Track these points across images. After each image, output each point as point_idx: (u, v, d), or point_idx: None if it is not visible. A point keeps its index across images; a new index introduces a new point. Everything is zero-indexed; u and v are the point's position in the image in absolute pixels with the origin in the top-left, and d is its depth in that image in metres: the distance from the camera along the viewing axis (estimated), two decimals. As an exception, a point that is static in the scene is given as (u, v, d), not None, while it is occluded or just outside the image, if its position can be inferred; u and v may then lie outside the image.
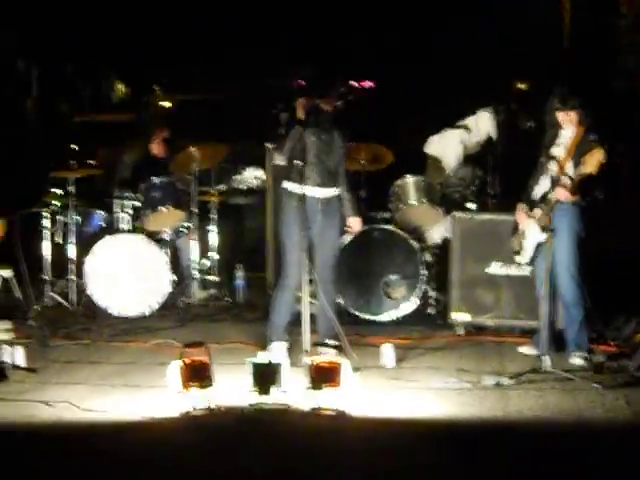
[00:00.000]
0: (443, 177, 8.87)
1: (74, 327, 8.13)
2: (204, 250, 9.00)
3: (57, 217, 8.84)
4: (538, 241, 6.96)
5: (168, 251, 8.69)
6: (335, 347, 6.60)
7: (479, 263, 7.91)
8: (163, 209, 8.63)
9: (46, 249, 8.72)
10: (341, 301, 8.07)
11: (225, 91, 14.31)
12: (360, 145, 8.52)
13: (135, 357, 7.37)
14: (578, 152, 6.83)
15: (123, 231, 8.68)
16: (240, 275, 8.95)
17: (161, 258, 8.54)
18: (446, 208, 8.48)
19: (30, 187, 9.10)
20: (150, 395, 6.28)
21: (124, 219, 8.68)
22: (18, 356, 6.84)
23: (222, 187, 9.64)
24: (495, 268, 7.86)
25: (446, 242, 8.34)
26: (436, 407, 6.11)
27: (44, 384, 6.61)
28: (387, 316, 8.35)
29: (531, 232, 7.03)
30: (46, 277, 8.68)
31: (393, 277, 8.38)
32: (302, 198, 6.90)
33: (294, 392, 6.06)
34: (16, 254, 7.72)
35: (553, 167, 6.88)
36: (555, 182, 6.86)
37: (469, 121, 9.10)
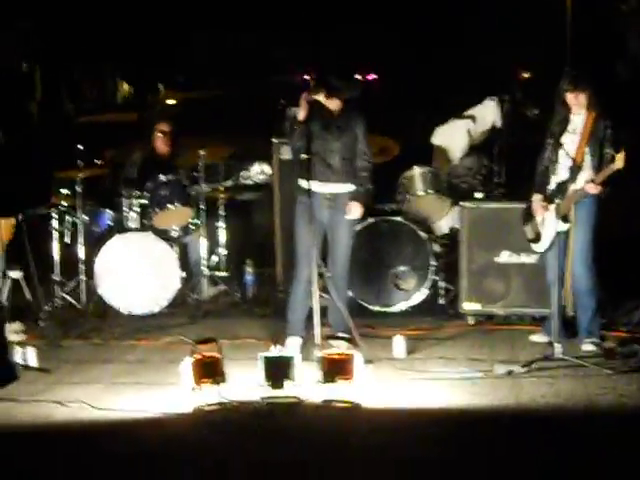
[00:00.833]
0: (450, 167, 8.88)
1: (85, 327, 8.13)
2: (213, 246, 9.00)
3: (65, 217, 8.85)
4: (557, 230, 6.91)
5: (177, 248, 8.69)
6: (347, 340, 6.62)
7: (488, 252, 7.89)
8: (171, 207, 8.63)
9: (55, 249, 8.73)
10: (351, 293, 8.07)
11: (231, 88, 14.32)
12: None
13: (146, 355, 7.38)
14: (594, 139, 6.81)
15: (131, 230, 8.68)
16: (249, 271, 8.94)
17: (170, 256, 8.54)
18: (454, 198, 8.48)
19: (38, 188, 9.09)
20: (163, 392, 6.29)
21: (132, 218, 8.68)
22: (30, 357, 6.84)
23: (229, 183, 9.64)
24: (504, 257, 7.85)
25: (454, 232, 8.34)
26: (449, 397, 6.11)
27: (56, 384, 6.62)
28: (397, 307, 8.35)
29: (550, 221, 6.98)
30: (56, 278, 8.69)
31: (403, 268, 8.37)
32: (309, 193, 6.92)
33: (306, 386, 6.06)
34: (25, 255, 7.73)
35: (566, 155, 6.84)
36: (574, 172, 6.84)
37: (475, 111, 9.10)
